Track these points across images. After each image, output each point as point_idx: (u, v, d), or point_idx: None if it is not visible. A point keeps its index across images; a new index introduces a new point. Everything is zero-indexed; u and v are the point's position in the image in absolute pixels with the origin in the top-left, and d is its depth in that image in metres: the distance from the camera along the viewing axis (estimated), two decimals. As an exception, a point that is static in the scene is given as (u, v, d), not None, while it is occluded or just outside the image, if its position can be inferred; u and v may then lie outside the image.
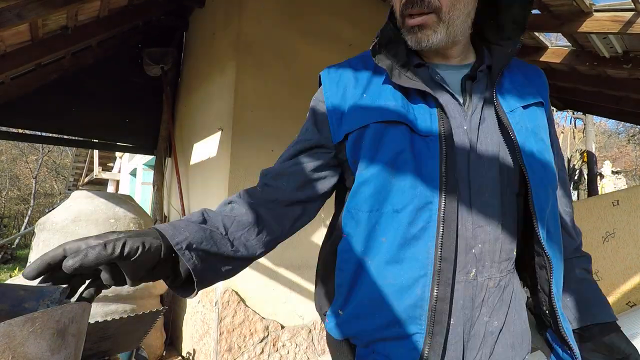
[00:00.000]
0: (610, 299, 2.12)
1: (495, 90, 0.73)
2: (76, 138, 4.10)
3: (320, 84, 0.83)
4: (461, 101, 0.72)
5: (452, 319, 0.65)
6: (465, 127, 0.70)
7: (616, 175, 13.03)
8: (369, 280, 0.68)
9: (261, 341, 2.89)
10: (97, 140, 4.27)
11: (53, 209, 3.11)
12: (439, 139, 0.67)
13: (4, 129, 4.06)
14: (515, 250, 0.73)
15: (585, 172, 7.90)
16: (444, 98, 0.71)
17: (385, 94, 0.73)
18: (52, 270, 0.49)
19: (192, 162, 3.83)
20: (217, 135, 3.29)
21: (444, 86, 0.72)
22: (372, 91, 0.74)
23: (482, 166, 0.68)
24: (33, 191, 14.58)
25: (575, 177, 7.62)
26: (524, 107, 0.75)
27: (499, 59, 0.76)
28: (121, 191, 8.34)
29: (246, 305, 2.88)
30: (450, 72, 0.76)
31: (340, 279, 0.73)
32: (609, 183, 11.57)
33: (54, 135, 4.94)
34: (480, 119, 0.71)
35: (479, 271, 0.67)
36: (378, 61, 0.74)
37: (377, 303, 0.67)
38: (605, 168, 12.00)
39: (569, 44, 4.08)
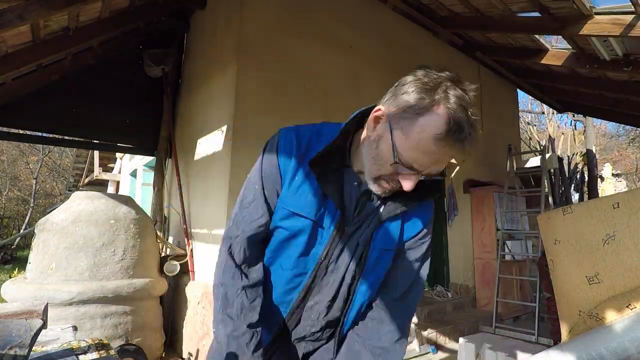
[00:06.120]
0: (611, 302, 2.12)
1: None
2: (77, 139, 4.10)
3: None
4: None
5: None
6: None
7: (616, 177, 13.03)
8: None
9: (261, 343, 2.88)
10: (97, 141, 4.28)
11: (53, 210, 3.11)
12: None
13: (4, 129, 4.06)
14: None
15: (585, 173, 7.91)
16: None
17: None
18: None
19: (192, 163, 3.83)
20: (218, 136, 3.29)
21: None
22: None
23: None
24: (33, 192, 14.56)
25: (577, 178, 7.63)
26: None
27: None
28: (121, 192, 8.34)
29: (246, 307, 2.87)
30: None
31: None
32: (609, 185, 11.56)
33: (55, 135, 4.95)
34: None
35: None
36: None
37: None
38: (606, 170, 12.00)
39: (569, 46, 4.08)
